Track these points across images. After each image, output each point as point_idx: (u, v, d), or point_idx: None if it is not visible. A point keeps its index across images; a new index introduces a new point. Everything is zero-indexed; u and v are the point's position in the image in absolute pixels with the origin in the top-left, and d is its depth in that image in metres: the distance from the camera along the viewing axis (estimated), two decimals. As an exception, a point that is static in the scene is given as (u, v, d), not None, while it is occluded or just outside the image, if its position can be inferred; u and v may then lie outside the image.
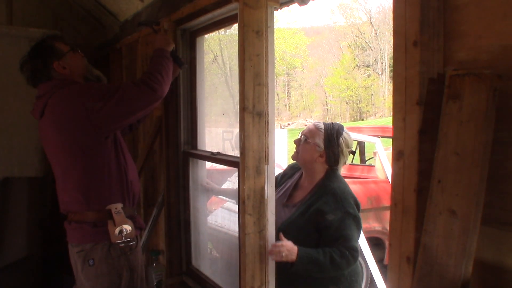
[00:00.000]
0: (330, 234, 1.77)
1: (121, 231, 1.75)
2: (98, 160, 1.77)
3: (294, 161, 2.12)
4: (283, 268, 1.84)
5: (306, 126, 2.05)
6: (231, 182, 2.76)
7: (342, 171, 2.06)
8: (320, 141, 1.91)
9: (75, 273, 1.86)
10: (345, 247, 1.74)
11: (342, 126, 1.97)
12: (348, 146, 1.94)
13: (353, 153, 2.01)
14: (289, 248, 1.70)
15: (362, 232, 3.57)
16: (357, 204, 1.87)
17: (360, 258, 3.64)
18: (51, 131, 1.79)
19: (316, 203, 1.83)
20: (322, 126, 1.95)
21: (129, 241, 1.77)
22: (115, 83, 3.13)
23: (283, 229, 1.81)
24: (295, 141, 2.01)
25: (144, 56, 2.85)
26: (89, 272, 1.73)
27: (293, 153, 2.02)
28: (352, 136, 2.03)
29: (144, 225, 2.09)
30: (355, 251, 1.76)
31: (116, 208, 1.76)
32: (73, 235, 1.78)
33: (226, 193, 2.60)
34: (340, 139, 1.91)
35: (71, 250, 1.82)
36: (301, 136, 1.98)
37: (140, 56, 2.91)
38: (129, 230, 1.77)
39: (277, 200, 1.92)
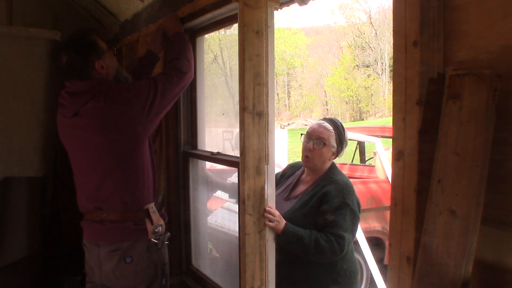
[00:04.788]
0: (323, 219, 1.83)
1: (156, 229, 1.81)
2: (139, 161, 1.80)
3: (294, 161, 2.17)
4: (283, 269, 1.85)
5: (308, 127, 2.06)
6: (231, 182, 2.76)
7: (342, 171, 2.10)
8: (333, 141, 1.99)
9: (96, 272, 1.80)
10: (332, 233, 1.79)
11: (338, 119, 2.08)
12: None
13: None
14: (278, 219, 1.77)
15: (362, 232, 3.61)
16: (357, 202, 1.91)
17: (360, 258, 3.67)
18: (92, 132, 1.74)
19: (320, 191, 1.90)
20: (330, 127, 1.99)
21: (162, 237, 1.83)
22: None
23: (287, 219, 1.83)
24: (306, 147, 1.99)
25: (144, 56, 2.85)
26: (126, 270, 1.74)
27: (302, 158, 2.01)
28: (352, 136, 2.07)
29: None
30: (342, 239, 1.79)
31: (152, 208, 1.82)
32: (107, 234, 1.76)
33: (226, 187, 2.59)
34: (346, 132, 2.04)
35: (94, 250, 1.78)
36: (312, 142, 1.97)
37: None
38: (163, 227, 1.84)
39: (277, 196, 1.96)
